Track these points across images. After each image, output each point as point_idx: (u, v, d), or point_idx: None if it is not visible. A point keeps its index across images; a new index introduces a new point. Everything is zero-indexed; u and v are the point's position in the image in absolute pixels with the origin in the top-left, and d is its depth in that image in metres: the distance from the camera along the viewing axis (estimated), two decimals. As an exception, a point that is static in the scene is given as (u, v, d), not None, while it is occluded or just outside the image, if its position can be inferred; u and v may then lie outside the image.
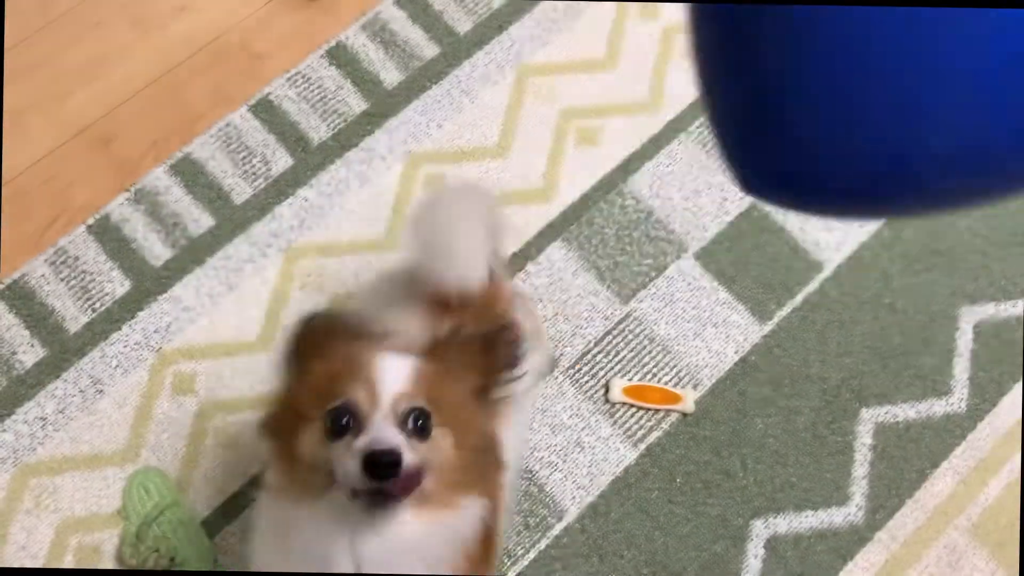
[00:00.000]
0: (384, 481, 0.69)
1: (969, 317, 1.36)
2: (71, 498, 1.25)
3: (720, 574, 1.24)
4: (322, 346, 0.78)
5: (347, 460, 0.70)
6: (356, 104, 1.42)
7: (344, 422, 0.72)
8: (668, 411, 1.30)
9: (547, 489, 1.27)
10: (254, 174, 1.38)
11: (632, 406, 1.31)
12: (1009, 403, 1.32)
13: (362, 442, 0.69)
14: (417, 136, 1.41)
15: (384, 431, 0.70)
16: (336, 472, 0.71)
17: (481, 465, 0.78)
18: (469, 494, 0.76)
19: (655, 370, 1.33)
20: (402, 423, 0.72)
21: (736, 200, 1.41)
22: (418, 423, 0.73)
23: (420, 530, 0.74)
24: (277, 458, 0.78)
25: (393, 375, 0.74)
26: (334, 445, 0.72)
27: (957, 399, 1.32)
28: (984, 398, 1.32)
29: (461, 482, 0.75)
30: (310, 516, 0.75)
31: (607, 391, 1.31)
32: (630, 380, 1.32)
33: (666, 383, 1.32)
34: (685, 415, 1.30)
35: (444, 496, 0.74)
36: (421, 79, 1.45)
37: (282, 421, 0.78)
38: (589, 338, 1.33)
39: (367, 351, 0.76)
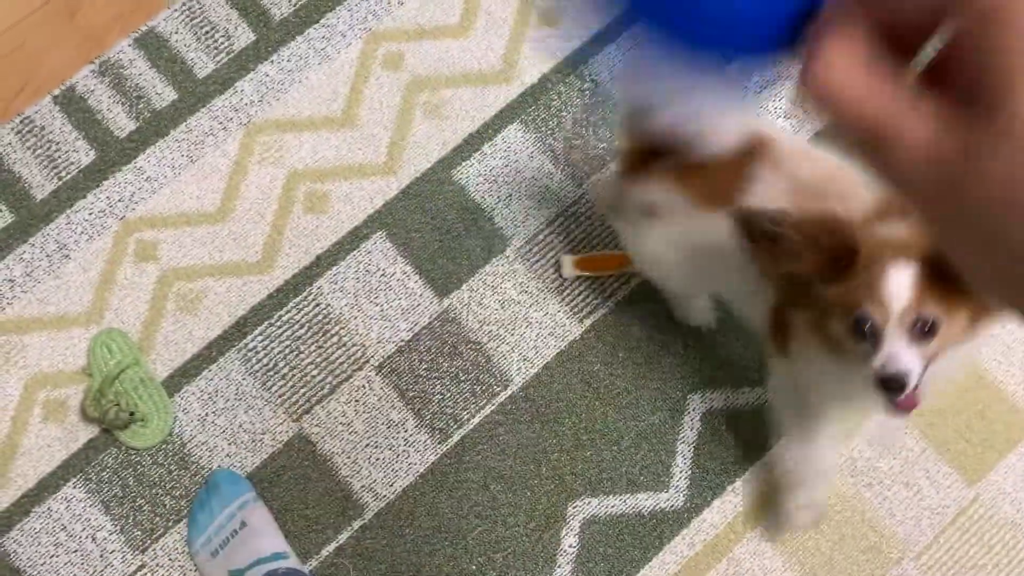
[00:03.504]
0: (895, 394, 0.81)
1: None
2: (39, 355, 1.31)
3: (656, 443, 1.29)
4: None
5: (867, 370, 0.81)
6: (317, -20, 1.42)
7: (864, 330, 0.81)
8: (620, 275, 1.33)
9: (494, 360, 1.31)
10: (216, 49, 1.40)
11: (586, 279, 1.33)
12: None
13: (879, 361, 0.80)
14: (377, 14, 1.42)
15: (895, 349, 0.79)
16: (863, 367, 0.83)
17: None
18: None
19: (605, 250, 1.35)
20: (911, 330, 0.80)
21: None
22: (924, 329, 0.80)
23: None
24: (810, 325, 0.89)
25: (900, 286, 0.79)
26: (859, 346, 0.82)
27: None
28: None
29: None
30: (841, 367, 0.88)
31: (559, 268, 1.34)
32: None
33: (615, 262, 1.35)
34: (630, 302, 1.33)
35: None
36: (385, -43, 1.44)
37: (807, 298, 0.87)
38: (542, 219, 1.36)
39: (879, 260, 0.81)
